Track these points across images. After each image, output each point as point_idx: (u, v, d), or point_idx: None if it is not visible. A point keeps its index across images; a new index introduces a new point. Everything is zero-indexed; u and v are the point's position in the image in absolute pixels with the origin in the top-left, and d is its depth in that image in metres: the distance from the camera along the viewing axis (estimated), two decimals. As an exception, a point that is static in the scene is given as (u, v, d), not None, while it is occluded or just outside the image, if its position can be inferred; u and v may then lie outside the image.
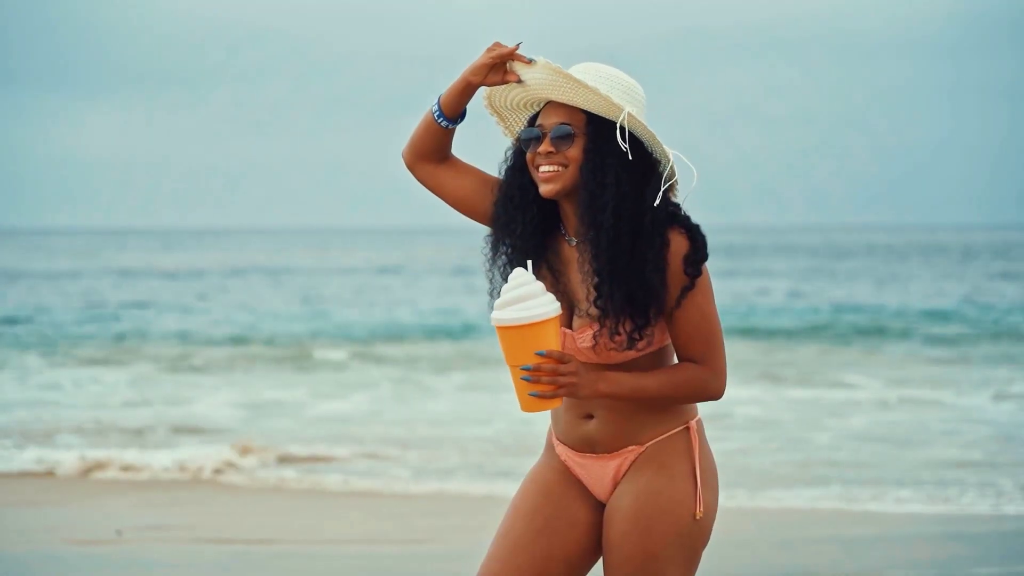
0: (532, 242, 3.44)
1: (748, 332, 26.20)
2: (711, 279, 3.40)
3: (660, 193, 3.34)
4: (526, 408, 3.27)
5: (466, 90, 3.47)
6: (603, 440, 3.47)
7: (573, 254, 3.44)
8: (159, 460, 11.82)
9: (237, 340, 25.80)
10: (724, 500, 9.46)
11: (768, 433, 13.73)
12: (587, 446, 3.50)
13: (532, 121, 3.49)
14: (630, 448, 3.46)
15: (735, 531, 8.52)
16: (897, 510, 9.95)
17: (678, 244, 3.35)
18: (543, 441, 3.68)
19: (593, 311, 3.37)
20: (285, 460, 12.16)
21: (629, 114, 3.34)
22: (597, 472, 3.50)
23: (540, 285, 3.26)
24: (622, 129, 3.34)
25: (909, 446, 12.90)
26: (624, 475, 3.47)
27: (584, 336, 3.39)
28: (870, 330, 27.13)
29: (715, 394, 3.42)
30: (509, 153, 3.53)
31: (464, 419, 14.88)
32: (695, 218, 3.41)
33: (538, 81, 3.40)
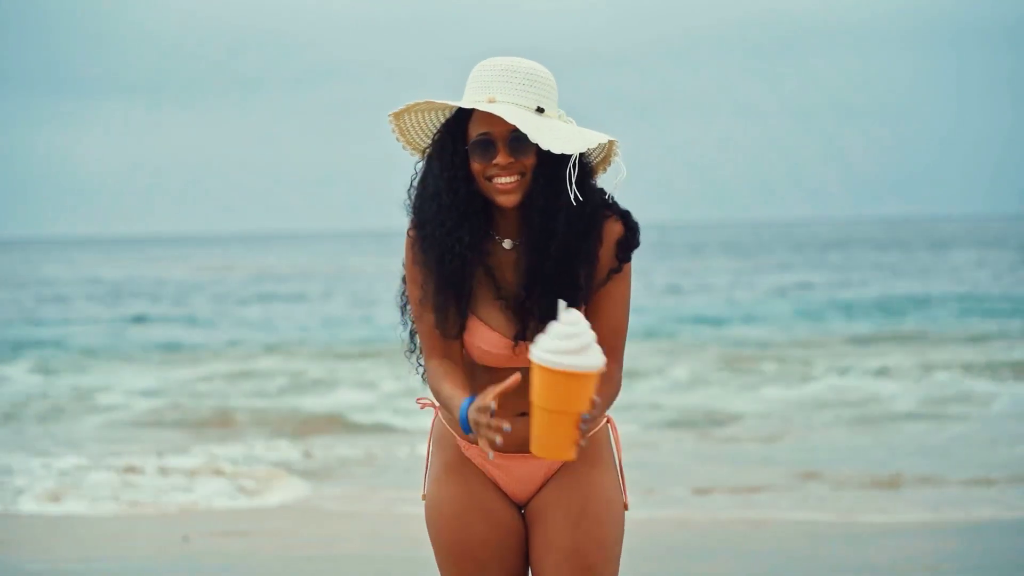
0: (474, 251, 3.27)
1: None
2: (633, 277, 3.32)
3: (603, 188, 3.28)
4: (556, 454, 2.95)
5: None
6: None
7: (507, 255, 3.30)
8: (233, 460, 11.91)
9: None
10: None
11: None
12: (518, 446, 3.30)
13: (452, 129, 3.24)
14: None
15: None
16: None
17: (612, 229, 3.28)
18: None
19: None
20: (345, 464, 12.16)
21: (600, 139, 3.21)
22: (524, 472, 3.36)
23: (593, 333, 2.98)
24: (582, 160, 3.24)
25: None
26: (557, 470, 3.37)
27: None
28: None
29: (619, 389, 3.33)
30: (432, 162, 3.26)
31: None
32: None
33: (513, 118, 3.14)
